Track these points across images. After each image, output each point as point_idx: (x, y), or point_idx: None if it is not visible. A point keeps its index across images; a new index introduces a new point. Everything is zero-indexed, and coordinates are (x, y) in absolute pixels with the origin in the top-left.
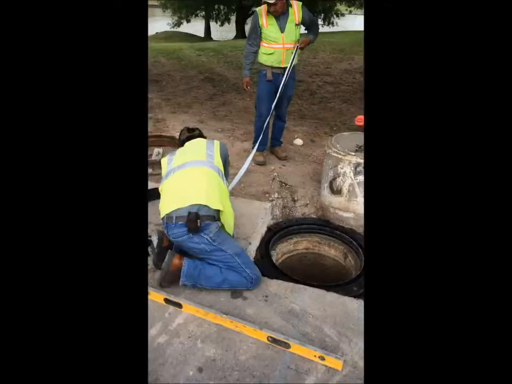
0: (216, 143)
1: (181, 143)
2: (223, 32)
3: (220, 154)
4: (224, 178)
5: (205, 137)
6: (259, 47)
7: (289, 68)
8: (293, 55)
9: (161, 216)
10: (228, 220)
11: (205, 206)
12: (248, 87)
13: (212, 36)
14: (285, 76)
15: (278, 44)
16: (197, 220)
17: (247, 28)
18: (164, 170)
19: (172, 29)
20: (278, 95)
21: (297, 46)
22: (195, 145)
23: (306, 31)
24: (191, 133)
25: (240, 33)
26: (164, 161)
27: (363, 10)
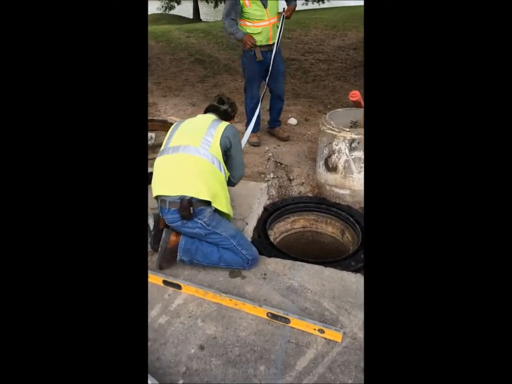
0: (221, 127)
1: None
2: (212, 13)
3: (221, 139)
4: (221, 164)
5: (229, 116)
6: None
7: (278, 40)
8: (279, 27)
9: (154, 195)
10: (222, 206)
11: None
12: (251, 43)
13: (201, 17)
14: (274, 51)
15: (264, 21)
16: (190, 207)
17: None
18: (165, 139)
19: (160, 11)
20: (269, 72)
21: (284, 16)
22: (198, 125)
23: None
24: (209, 107)
25: None
26: (171, 129)
27: None
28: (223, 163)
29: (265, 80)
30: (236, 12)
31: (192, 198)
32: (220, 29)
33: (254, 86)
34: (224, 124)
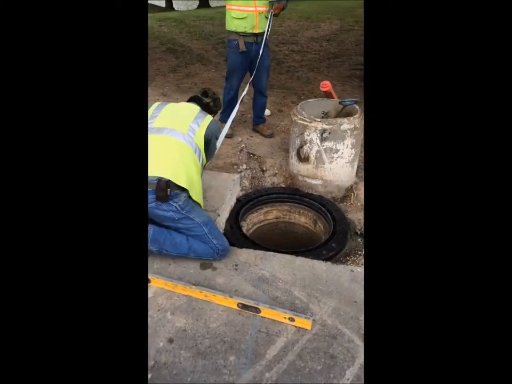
0: (207, 119)
1: (188, 99)
2: (186, 1)
3: (206, 131)
4: (202, 156)
5: (211, 110)
6: None
7: (266, 36)
8: (268, 21)
9: None
10: (196, 195)
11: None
12: None
13: (174, 6)
14: (262, 45)
15: (250, 7)
16: (167, 188)
17: None
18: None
19: None
20: (256, 67)
21: (272, 12)
22: (185, 111)
23: None
24: (193, 97)
25: (203, 3)
26: (151, 108)
27: None
28: (203, 153)
29: (250, 75)
30: None
31: (169, 181)
32: (193, 18)
33: (234, 77)
34: (210, 117)
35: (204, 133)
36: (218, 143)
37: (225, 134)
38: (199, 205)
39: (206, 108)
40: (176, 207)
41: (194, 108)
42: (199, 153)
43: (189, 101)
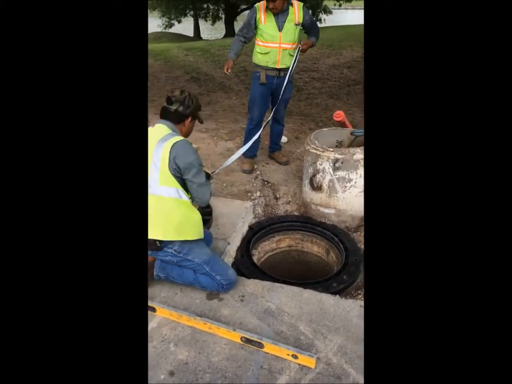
0: (165, 150)
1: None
2: (213, 31)
3: (169, 165)
4: (179, 190)
5: (183, 115)
6: (248, 42)
7: (291, 70)
8: (294, 57)
9: None
10: (190, 235)
11: None
12: (229, 71)
13: (201, 36)
14: (286, 80)
15: (274, 43)
16: (156, 242)
17: (237, 25)
18: None
19: (160, 29)
20: (279, 100)
21: (299, 48)
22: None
23: (306, 34)
24: (161, 112)
25: (229, 32)
26: None
27: (352, 4)
28: (182, 187)
29: (272, 108)
30: (250, 26)
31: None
32: (218, 47)
33: (255, 108)
34: (170, 143)
35: (167, 168)
36: (219, 169)
37: (228, 164)
38: (201, 239)
39: (176, 116)
40: (172, 252)
41: (157, 135)
42: (175, 191)
43: (160, 116)
